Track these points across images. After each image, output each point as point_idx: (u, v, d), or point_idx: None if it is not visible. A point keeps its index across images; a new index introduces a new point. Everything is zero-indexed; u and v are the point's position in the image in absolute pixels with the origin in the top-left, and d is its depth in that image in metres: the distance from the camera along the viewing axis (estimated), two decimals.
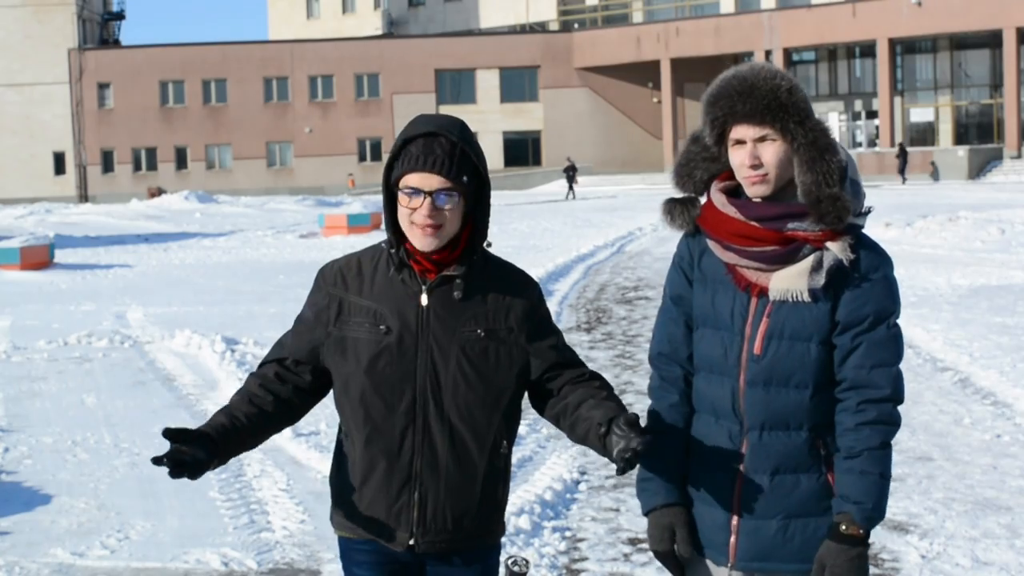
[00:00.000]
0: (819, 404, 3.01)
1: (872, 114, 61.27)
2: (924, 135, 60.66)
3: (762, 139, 2.96)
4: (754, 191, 3.00)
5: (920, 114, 61.02)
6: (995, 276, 17.51)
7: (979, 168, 53.37)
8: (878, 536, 6.28)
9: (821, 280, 2.96)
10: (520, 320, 3.16)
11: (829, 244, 2.96)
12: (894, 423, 3.00)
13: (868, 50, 60.39)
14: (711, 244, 3.07)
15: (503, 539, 6.06)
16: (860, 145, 61.31)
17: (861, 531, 2.94)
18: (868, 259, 3.00)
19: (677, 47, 63.02)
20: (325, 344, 3.16)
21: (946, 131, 59.97)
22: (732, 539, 3.07)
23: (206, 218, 40.63)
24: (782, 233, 2.96)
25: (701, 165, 3.10)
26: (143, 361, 12.39)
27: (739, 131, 2.98)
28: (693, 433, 3.13)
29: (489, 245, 3.16)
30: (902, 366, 3.05)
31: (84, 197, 66.13)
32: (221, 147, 68.54)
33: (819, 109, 62.90)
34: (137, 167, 68.16)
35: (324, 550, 6.20)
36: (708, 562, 3.14)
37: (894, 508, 6.76)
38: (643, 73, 66.16)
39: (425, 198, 3.01)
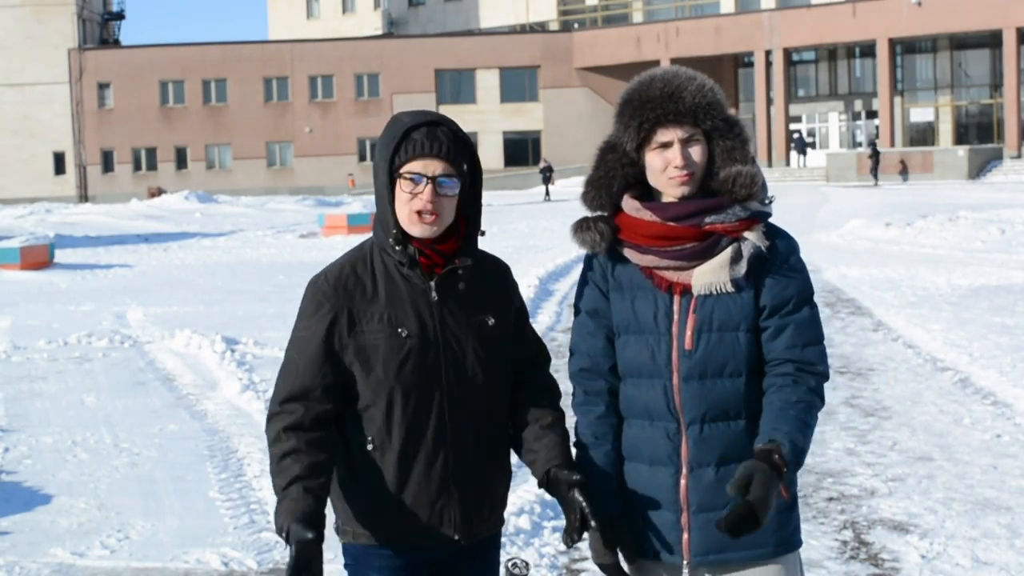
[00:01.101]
0: (754, 391, 3.08)
1: (872, 114, 61.24)
2: (924, 135, 60.64)
3: (688, 140, 3.04)
4: (679, 191, 3.06)
5: (920, 114, 61.01)
6: (995, 276, 17.52)
7: (979, 168, 53.36)
8: (878, 536, 6.29)
9: (743, 269, 3.04)
10: (512, 305, 3.24)
11: (746, 233, 3.05)
12: (822, 399, 3.09)
13: (868, 50, 60.37)
14: (627, 251, 3.11)
15: (503, 539, 6.07)
16: (860, 145, 61.27)
17: (785, 466, 2.90)
18: (783, 244, 3.10)
19: (677, 47, 62.97)
20: (343, 359, 3.07)
21: (946, 131, 59.96)
22: (685, 536, 3.09)
23: (206, 218, 40.64)
24: (700, 228, 3.04)
25: (619, 174, 3.13)
26: (143, 361, 12.39)
27: (666, 134, 3.05)
28: (626, 440, 3.16)
29: (483, 233, 3.18)
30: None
31: (84, 197, 66.13)
32: (221, 147, 68.53)
33: (819, 109, 62.98)
34: (137, 167, 68.15)
35: (324, 550, 6.19)
36: (660, 564, 3.15)
37: (894, 508, 6.76)
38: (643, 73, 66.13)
39: (428, 183, 3.03)
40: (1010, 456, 7.81)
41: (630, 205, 3.11)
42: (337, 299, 3.07)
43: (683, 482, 3.08)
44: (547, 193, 51.28)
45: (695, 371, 3.05)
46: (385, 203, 3.07)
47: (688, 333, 3.06)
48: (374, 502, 3.10)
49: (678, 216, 3.05)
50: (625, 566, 3.14)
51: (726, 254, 3.04)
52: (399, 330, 3.05)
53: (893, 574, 5.78)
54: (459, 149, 3.07)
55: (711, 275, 3.04)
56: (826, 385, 3.13)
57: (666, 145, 3.04)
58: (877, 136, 59.28)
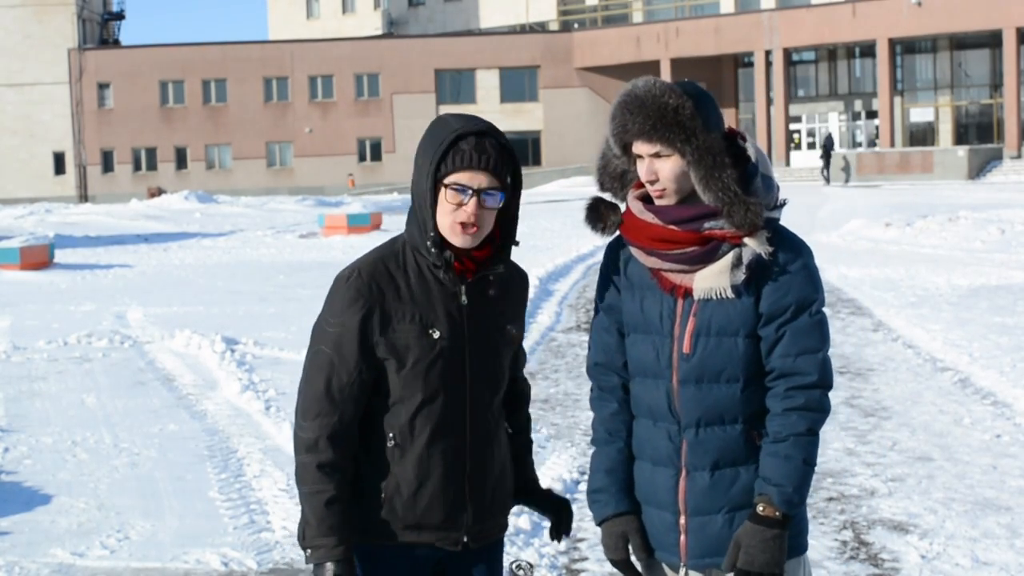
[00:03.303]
0: (751, 397, 3.07)
1: (872, 114, 61.24)
2: (924, 135, 60.64)
3: (656, 155, 3.02)
4: (659, 202, 3.08)
5: (920, 114, 61.01)
6: (995, 276, 17.51)
7: (979, 168, 53.36)
8: (878, 536, 6.29)
9: (742, 276, 3.02)
10: (524, 315, 3.30)
11: (747, 240, 3.01)
12: (822, 410, 3.04)
13: (868, 50, 60.37)
14: (634, 251, 3.13)
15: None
16: (860, 145, 61.28)
17: (778, 513, 2.99)
18: (786, 251, 3.04)
19: (677, 47, 62.99)
20: (376, 355, 3.07)
21: (946, 131, 59.96)
22: (682, 538, 3.11)
23: (206, 218, 40.62)
24: (700, 233, 3.02)
25: (614, 162, 3.18)
26: (143, 361, 12.39)
27: (637, 146, 3.05)
28: (635, 439, 3.19)
29: (517, 244, 3.19)
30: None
31: (84, 197, 66.12)
32: (221, 147, 68.53)
33: (819, 109, 62.96)
34: (137, 167, 68.15)
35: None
36: (665, 564, 3.18)
37: (894, 508, 6.76)
38: (643, 73, 64.95)
39: (473, 196, 3.03)
40: (1010, 456, 7.81)
41: (635, 206, 3.11)
42: (371, 295, 3.06)
43: (682, 484, 3.10)
44: None
45: (692, 375, 3.06)
46: (426, 206, 3.05)
47: (687, 337, 3.06)
48: (389, 499, 3.11)
49: (678, 219, 3.03)
50: (637, 564, 3.18)
51: (727, 260, 3.02)
52: (430, 331, 3.07)
53: (893, 574, 5.78)
54: (505, 161, 3.06)
55: (711, 280, 3.02)
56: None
57: (641, 156, 3.06)
58: (877, 136, 59.31)
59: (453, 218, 3.04)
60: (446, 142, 3.02)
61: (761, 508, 2.99)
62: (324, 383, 3.07)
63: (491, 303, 3.15)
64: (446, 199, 3.03)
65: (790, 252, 3.04)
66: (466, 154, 3.02)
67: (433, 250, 3.05)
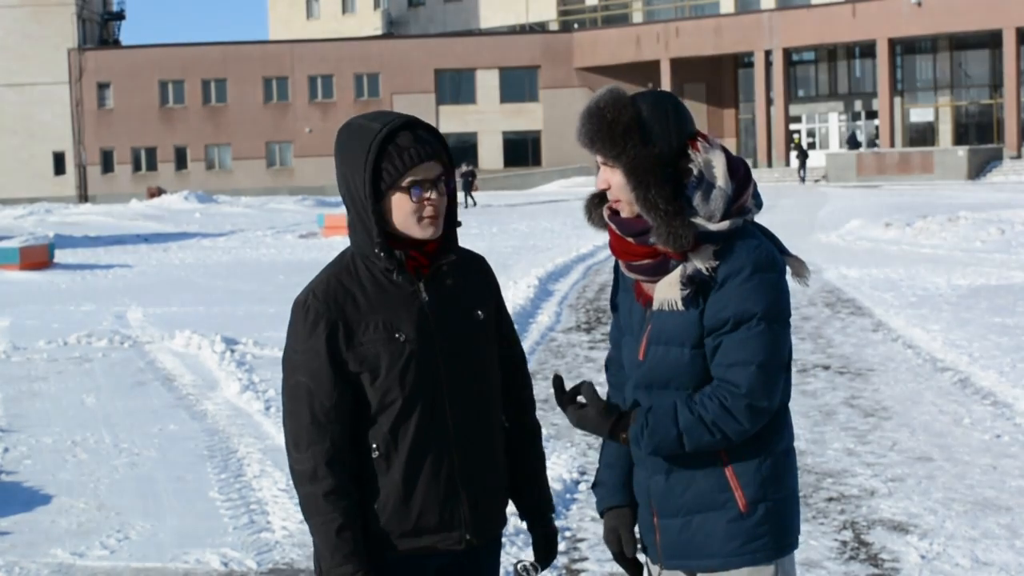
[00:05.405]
0: None
1: (872, 114, 61.26)
2: (924, 135, 60.65)
3: (606, 164, 3.02)
4: (620, 212, 3.07)
5: (920, 114, 61.01)
6: (995, 276, 17.52)
7: (979, 168, 53.36)
8: (878, 536, 6.29)
9: (685, 290, 2.99)
10: (495, 299, 3.25)
11: (690, 255, 2.98)
12: (739, 421, 2.97)
13: (868, 50, 60.38)
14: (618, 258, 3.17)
15: (503, 539, 6.07)
16: (860, 145, 61.31)
17: (624, 436, 3.02)
18: (730, 265, 2.97)
19: (677, 47, 62.99)
20: (348, 372, 3.04)
21: (946, 131, 59.97)
22: (656, 538, 3.14)
23: (206, 218, 40.65)
24: (650, 247, 3.01)
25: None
26: (143, 361, 12.39)
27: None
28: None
29: (459, 224, 3.16)
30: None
31: (84, 197, 66.13)
32: (221, 147, 68.54)
33: (819, 109, 63.00)
34: (137, 167, 68.16)
35: None
36: (649, 562, 3.22)
37: (894, 508, 6.76)
38: (643, 73, 66.12)
39: (433, 188, 3.03)
40: (1010, 456, 7.81)
41: (606, 213, 3.11)
42: (330, 312, 3.04)
43: (650, 486, 3.13)
44: (468, 200, 48.37)
45: (643, 381, 3.08)
46: (367, 213, 3.02)
47: (642, 344, 3.09)
48: (382, 510, 3.08)
49: (632, 231, 3.03)
50: (642, 558, 3.22)
51: (677, 273, 3.00)
52: (396, 335, 3.04)
53: (893, 574, 5.78)
54: (441, 143, 3.07)
55: (664, 291, 3.02)
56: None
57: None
58: (877, 136, 59.37)
59: (420, 214, 3.02)
60: (376, 145, 3.00)
61: (628, 418, 3.02)
62: (308, 412, 3.04)
63: (453, 293, 3.12)
64: (411, 199, 3.01)
65: (734, 266, 2.97)
66: (410, 151, 3.01)
67: (383, 255, 3.03)
